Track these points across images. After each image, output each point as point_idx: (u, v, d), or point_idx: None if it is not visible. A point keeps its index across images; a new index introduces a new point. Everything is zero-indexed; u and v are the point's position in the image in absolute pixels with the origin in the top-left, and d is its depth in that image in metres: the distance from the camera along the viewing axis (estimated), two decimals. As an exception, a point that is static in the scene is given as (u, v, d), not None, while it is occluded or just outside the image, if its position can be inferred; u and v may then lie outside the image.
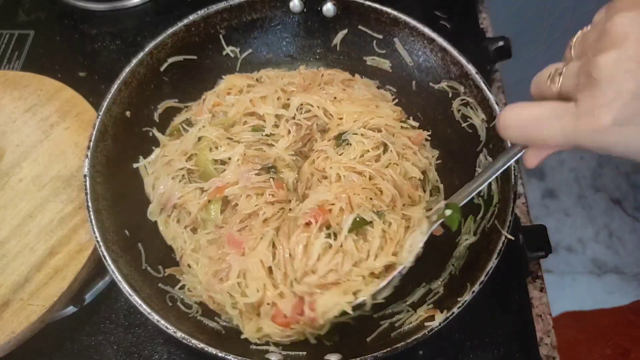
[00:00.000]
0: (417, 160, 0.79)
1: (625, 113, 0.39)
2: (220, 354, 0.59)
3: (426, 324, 0.63)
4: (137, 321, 0.76)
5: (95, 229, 0.66)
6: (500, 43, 0.94)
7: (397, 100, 0.86)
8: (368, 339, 0.67)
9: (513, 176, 0.70)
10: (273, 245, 0.68)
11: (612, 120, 0.40)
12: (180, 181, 0.76)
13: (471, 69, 0.77)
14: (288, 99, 0.81)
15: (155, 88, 0.81)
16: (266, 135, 0.79)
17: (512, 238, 0.66)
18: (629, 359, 1.10)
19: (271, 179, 0.74)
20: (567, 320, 1.18)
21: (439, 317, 0.63)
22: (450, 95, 0.81)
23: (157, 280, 0.71)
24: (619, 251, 1.95)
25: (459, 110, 0.80)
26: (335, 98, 0.81)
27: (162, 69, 0.81)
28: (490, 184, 0.74)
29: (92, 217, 0.67)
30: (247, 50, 0.88)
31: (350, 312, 0.63)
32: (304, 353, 0.66)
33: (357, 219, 0.67)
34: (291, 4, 0.85)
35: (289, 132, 0.79)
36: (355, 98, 0.81)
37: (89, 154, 0.70)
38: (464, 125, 0.80)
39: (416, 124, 0.84)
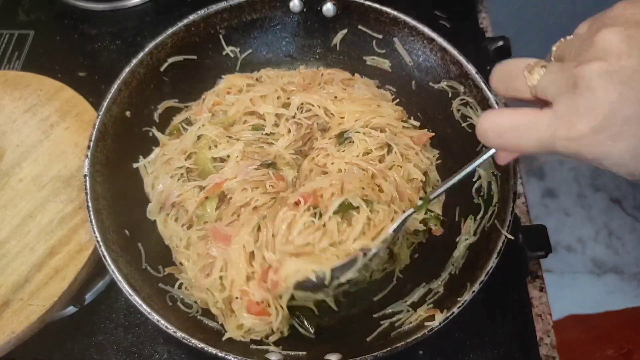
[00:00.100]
0: (419, 161, 0.79)
1: (603, 122, 0.40)
2: (220, 354, 0.59)
3: (426, 323, 0.63)
4: (137, 321, 0.76)
5: (95, 229, 0.66)
6: (500, 43, 0.95)
7: (397, 100, 0.86)
8: (368, 339, 0.67)
9: (513, 176, 0.70)
10: (259, 228, 0.68)
11: (589, 127, 0.41)
12: (179, 180, 0.76)
13: (471, 68, 0.77)
14: (288, 98, 0.81)
15: (155, 88, 0.81)
16: (266, 134, 0.79)
17: (512, 238, 0.66)
18: (631, 360, 1.11)
19: (270, 172, 0.74)
20: (568, 322, 1.18)
21: (439, 317, 0.63)
22: (450, 95, 0.81)
23: (157, 280, 0.71)
24: (618, 251, 1.95)
25: (458, 110, 0.80)
26: (335, 97, 0.81)
27: (162, 69, 0.81)
28: (490, 183, 0.74)
29: (92, 217, 0.67)
30: (247, 50, 0.88)
31: (313, 278, 0.62)
32: (304, 353, 0.66)
33: (345, 202, 0.67)
34: (291, 4, 0.85)
35: (289, 131, 0.79)
36: (356, 97, 0.82)
37: (89, 153, 0.70)
38: (463, 125, 0.80)
39: (417, 124, 0.85)
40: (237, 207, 0.71)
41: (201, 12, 0.82)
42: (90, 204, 0.67)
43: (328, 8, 0.85)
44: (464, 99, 0.79)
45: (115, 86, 0.75)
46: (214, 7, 0.82)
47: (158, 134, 0.81)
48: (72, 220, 0.75)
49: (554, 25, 1.73)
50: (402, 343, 0.61)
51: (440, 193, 0.64)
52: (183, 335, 0.61)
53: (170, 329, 0.61)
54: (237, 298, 0.67)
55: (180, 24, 0.81)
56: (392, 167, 0.76)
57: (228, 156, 0.76)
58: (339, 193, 0.69)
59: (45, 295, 0.68)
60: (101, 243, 0.65)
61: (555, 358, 0.75)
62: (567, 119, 0.42)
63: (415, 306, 0.70)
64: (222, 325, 0.70)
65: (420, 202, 0.66)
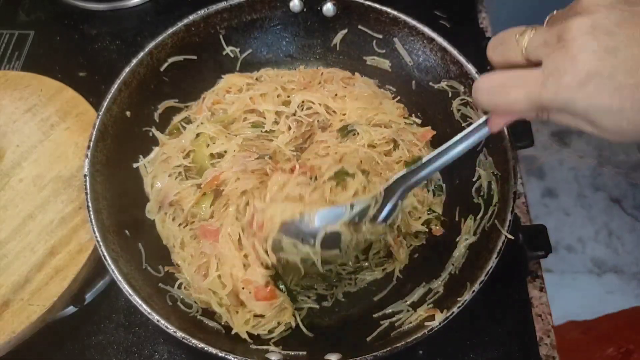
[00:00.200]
0: None
1: (588, 74, 0.41)
2: (220, 354, 0.59)
3: (426, 323, 0.63)
4: (137, 321, 0.76)
5: (96, 229, 0.66)
6: (500, 43, 0.94)
7: (397, 98, 0.86)
8: (368, 339, 0.67)
9: (513, 176, 0.70)
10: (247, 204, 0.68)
11: (576, 80, 0.42)
12: (176, 178, 0.76)
13: (471, 68, 0.77)
14: (288, 97, 0.81)
15: (155, 88, 0.81)
16: (266, 131, 0.78)
17: (512, 238, 0.66)
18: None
19: (268, 162, 0.73)
20: (568, 326, 1.18)
21: (439, 317, 0.63)
22: (450, 94, 0.81)
23: (157, 280, 0.71)
24: (618, 250, 1.95)
25: (458, 110, 0.80)
26: (336, 95, 0.81)
27: (162, 69, 0.81)
28: (490, 183, 0.74)
29: (92, 217, 0.67)
30: (247, 50, 0.88)
31: (298, 219, 0.62)
32: (304, 353, 0.66)
33: (342, 170, 0.66)
34: (291, 4, 0.85)
35: (290, 128, 0.78)
36: (357, 94, 0.81)
37: (89, 154, 0.70)
38: (463, 124, 0.80)
39: (419, 121, 0.85)
40: (227, 199, 0.71)
41: (201, 12, 0.82)
42: (90, 204, 0.67)
43: (328, 8, 0.85)
44: (464, 99, 0.79)
45: (115, 86, 0.75)
46: (214, 7, 0.82)
47: (158, 134, 0.81)
48: (73, 221, 0.75)
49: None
50: (402, 343, 0.61)
51: (433, 158, 0.62)
52: (183, 335, 0.61)
53: (171, 329, 0.61)
54: (243, 289, 0.67)
55: (180, 24, 0.81)
56: (399, 162, 0.76)
57: (226, 152, 0.76)
58: (338, 163, 0.69)
59: (45, 295, 0.68)
60: (101, 243, 0.65)
61: (555, 358, 0.75)
62: (555, 72, 0.43)
63: (415, 306, 0.70)
64: (222, 325, 0.70)
65: (412, 166, 0.64)
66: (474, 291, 0.63)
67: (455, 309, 0.62)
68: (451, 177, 0.81)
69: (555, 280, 1.86)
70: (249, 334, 0.68)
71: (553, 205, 2.04)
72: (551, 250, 0.75)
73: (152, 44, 0.79)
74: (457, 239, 0.74)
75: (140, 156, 0.79)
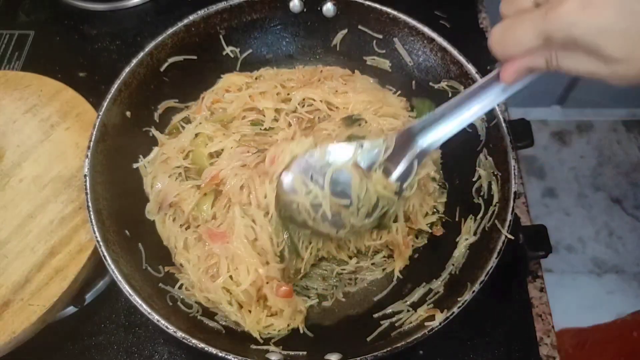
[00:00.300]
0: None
1: None
2: (220, 354, 0.59)
3: (426, 323, 0.63)
4: (137, 321, 0.76)
5: (96, 229, 0.66)
6: (500, 42, 0.94)
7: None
8: (368, 339, 0.67)
9: (513, 176, 0.70)
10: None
11: (576, 3, 0.43)
12: (176, 179, 0.75)
13: (471, 68, 0.77)
14: (288, 94, 0.80)
15: (155, 88, 0.81)
16: (265, 129, 0.78)
17: (512, 238, 0.66)
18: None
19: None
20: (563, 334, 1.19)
21: (439, 317, 0.63)
22: (450, 94, 0.81)
23: (157, 280, 0.71)
24: (619, 250, 1.94)
25: (458, 110, 0.80)
26: (336, 91, 0.80)
27: (162, 69, 0.81)
28: (490, 183, 0.74)
29: (93, 217, 0.67)
30: (247, 50, 0.88)
31: (309, 153, 0.64)
32: (304, 353, 0.66)
33: (352, 116, 0.68)
34: (291, 4, 0.85)
35: (290, 124, 0.78)
36: (359, 88, 0.81)
37: (89, 154, 0.70)
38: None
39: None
40: (229, 199, 0.71)
41: (201, 12, 0.82)
42: (90, 204, 0.67)
43: (328, 8, 0.85)
44: (464, 99, 0.79)
45: (115, 86, 0.75)
46: (214, 7, 0.82)
47: (157, 134, 0.81)
48: (73, 221, 0.75)
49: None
50: (402, 343, 0.61)
51: (447, 110, 0.62)
52: (183, 335, 0.61)
53: (171, 329, 0.61)
54: (267, 283, 0.67)
55: (180, 24, 0.81)
56: None
57: (223, 150, 0.75)
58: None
59: (45, 296, 0.68)
60: (101, 243, 0.65)
61: (556, 358, 0.75)
62: (557, 1, 0.44)
63: (415, 306, 0.70)
64: (222, 325, 0.70)
65: (424, 117, 0.64)
66: (474, 291, 0.63)
67: (455, 309, 0.62)
68: (451, 177, 0.81)
69: (555, 281, 1.86)
70: (252, 335, 0.68)
71: (553, 205, 2.04)
72: (551, 250, 0.75)
73: (152, 44, 0.79)
74: (458, 239, 0.74)
75: (140, 156, 0.79)
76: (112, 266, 0.64)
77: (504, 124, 0.73)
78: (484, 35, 1.03)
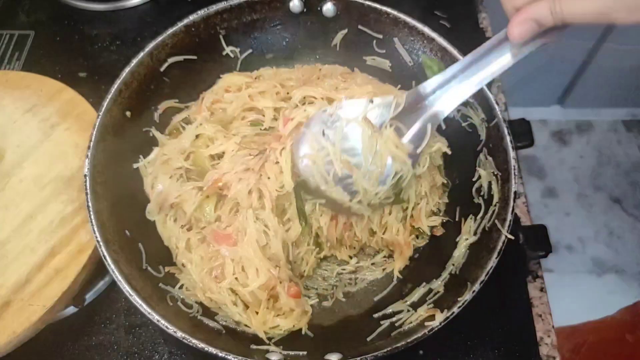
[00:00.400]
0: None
1: None
2: (220, 354, 0.60)
3: (426, 323, 0.63)
4: (137, 321, 0.77)
5: (96, 229, 0.66)
6: (500, 42, 0.94)
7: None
8: (368, 339, 0.67)
9: (513, 176, 0.70)
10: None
11: None
12: (177, 180, 0.75)
13: (471, 68, 0.77)
14: (288, 93, 0.80)
15: (155, 88, 0.81)
16: (265, 129, 0.78)
17: (513, 238, 0.66)
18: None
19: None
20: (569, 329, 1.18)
21: (439, 317, 0.63)
22: (450, 95, 0.81)
23: (157, 280, 0.71)
24: (619, 250, 1.95)
25: (458, 110, 0.80)
26: (336, 89, 0.80)
27: (162, 69, 0.81)
28: (490, 183, 0.74)
29: (93, 217, 0.67)
30: (247, 50, 0.88)
31: (322, 111, 0.66)
32: (305, 353, 0.66)
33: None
34: (291, 5, 0.85)
35: None
36: (361, 81, 0.80)
37: (89, 154, 0.70)
38: (463, 124, 0.80)
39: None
40: (235, 203, 0.71)
41: (201, 12, 0.82)
42: (90, 205, 0.67)
43: (328, 8, 0.85)
44: (464, 99, 0.79)
45: (115, 86, 0.75)
46: (214, 7, 0.82)
47: (158, 134, 0.81)
48: (73, 221, 0.75)
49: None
50: (402, 343, 0.61)
51: (457, 69, 0.62)
52: (183, 335, 0.61)
53: (171, 329, 0.61)
54: (280, 282, 0.67)
55: (180, 24, 0.81)
56: None
57: (224, 152, 0.75)
58: None
59: (45, 296, 0.68)
60: (102, 243, 0.65)
61: (556, 358, 0.75)
62: None
63: (415, 306, 0.70)
64: (222, 325, 0.70)
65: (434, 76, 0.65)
66: (474, 291, 0.63)
67: (455, 309, 0.62)
68: (452, 177, 0.81)
69: (555, 281, 1.86)
70: (254, 335, 0.68)
71: (553, 205, 2.04)
72: (551, 250, 0.76)
73: (152, 45, 0.79)
74: (458, 239, 0.74)
75: (141, 156, 0.79)
76: (112, 266, 0.64)
77: (504, 124, 0.73)
78: (484, 35, 1.03)
